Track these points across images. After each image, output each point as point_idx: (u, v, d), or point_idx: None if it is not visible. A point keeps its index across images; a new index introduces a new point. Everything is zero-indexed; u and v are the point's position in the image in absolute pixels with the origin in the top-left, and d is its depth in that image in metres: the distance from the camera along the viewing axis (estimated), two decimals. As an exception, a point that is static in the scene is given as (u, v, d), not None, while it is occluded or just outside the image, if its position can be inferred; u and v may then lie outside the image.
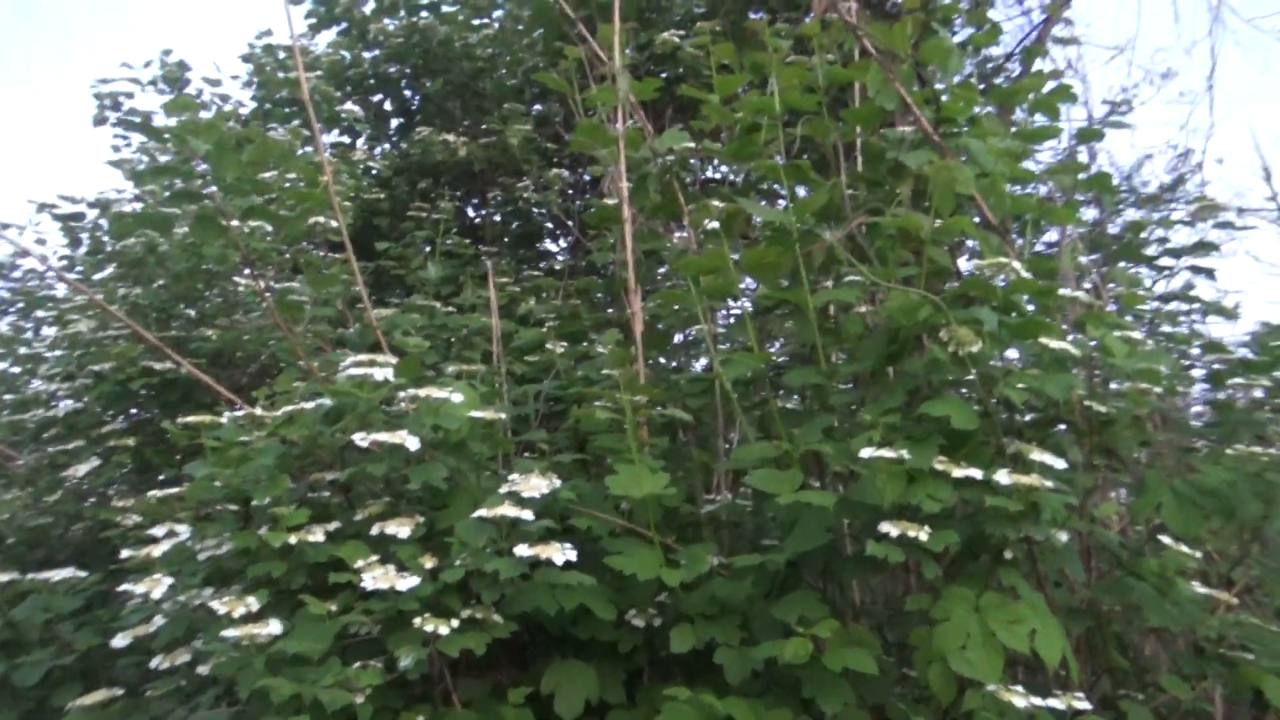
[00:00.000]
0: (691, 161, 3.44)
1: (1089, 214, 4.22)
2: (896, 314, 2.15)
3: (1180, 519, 2.17)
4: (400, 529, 2.05)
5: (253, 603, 1.89)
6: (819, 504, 1.99)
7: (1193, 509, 2.18)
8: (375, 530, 2.06)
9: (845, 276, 2.52)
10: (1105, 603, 2.38)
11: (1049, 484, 1.94)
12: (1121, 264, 3.29)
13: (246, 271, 3.44)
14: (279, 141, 2.96)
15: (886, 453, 1.94)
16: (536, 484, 2.08)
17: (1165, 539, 2.20)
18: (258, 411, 2.09)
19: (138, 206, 3.72)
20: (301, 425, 2.11)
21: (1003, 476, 1.92)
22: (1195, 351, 3.07)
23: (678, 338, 3.50)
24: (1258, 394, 2.49)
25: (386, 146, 5.61)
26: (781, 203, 2.54)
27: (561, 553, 1.94)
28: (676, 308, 3.01)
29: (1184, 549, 2.19)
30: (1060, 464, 1.98)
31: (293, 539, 2.02)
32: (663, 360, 3.42)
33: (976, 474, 1.93)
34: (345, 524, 2.22)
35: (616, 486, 2.14)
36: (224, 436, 2.05)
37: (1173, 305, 3.45)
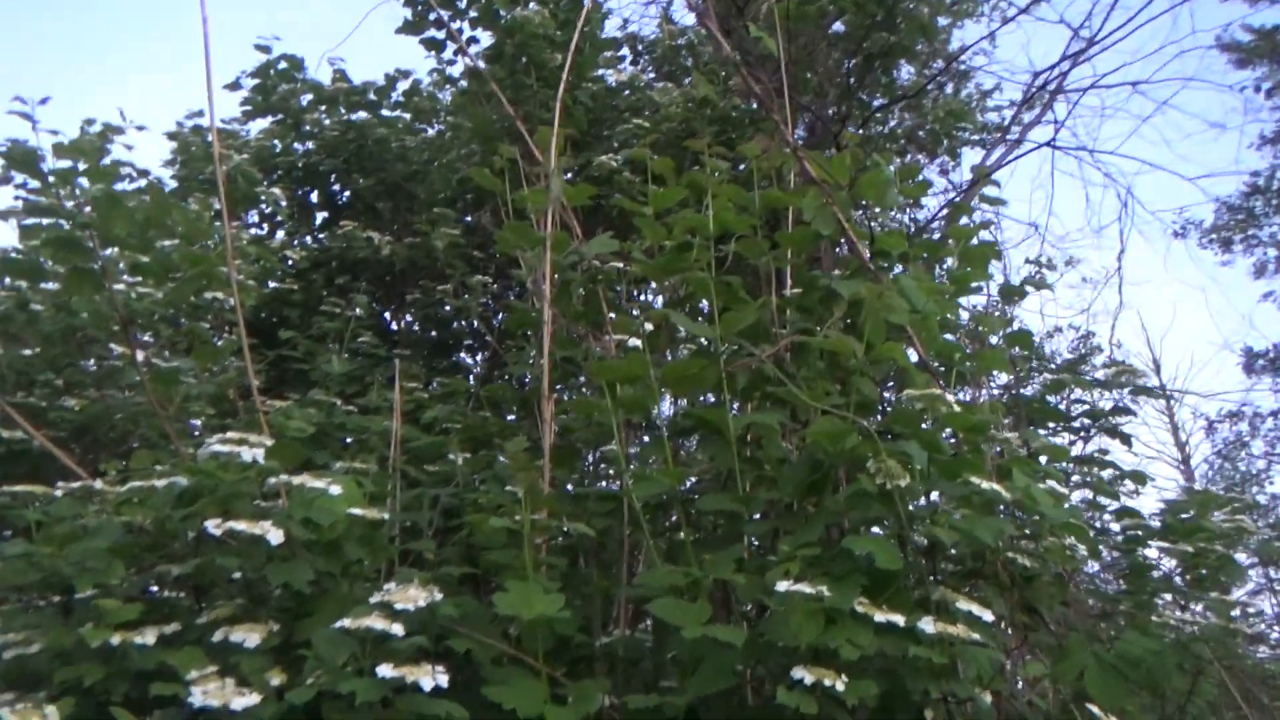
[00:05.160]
0: (617, 276, 3.35)
1: (1002, 376, 4.27)
2: (822, 440, 2.03)
3: (1104, 689, 2.03)
4: (249, 636, 1.77)
5: (52, 714, 1.58)
6: (728, 640, 1.80)
7: (1117, 679, 2.05)
8: (219, 636, 1.78)
9: (769, 400, 2.41)
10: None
11: (975, 637, 1.79)
12: (1033, 428, 3.27)
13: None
14: (183, 208, 2.77)
15: (804, 588, 1.77)
16: (413, 594, 1.83)
17: (1092, 708, 2.04)
18: (97, 485, 1.81)
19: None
20: (150, 506, 1.84)
21: (927, 624, 1.76)
22: (1108, 516, 3.02)
23: (589, 455, 3.32)
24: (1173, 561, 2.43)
25: (308, 239, 5.43)
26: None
27: (430, 676, 1.69)
28: (590, 421, 2.84)
29: (1112, 720, 2.04)
30: (988, 616, 1.83)
31: (116, 639, 1.72)
32: (571, 477, 3.22)
33: (899, 620, 1.77)
34: (187, 627, 1.92)
35: (504, 604, 1.90)
36: (53, 511, 1.77)
37: (1088, 469, 3.43)
